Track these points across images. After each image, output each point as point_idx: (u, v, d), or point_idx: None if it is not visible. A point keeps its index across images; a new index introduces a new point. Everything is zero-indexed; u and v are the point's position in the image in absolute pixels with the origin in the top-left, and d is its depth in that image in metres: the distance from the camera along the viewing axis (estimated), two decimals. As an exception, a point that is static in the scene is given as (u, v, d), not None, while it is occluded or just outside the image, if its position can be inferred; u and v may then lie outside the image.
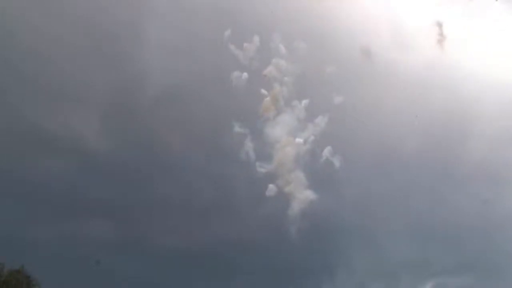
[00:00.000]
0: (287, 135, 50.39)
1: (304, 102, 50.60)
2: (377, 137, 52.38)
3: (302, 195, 49.89)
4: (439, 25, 53.64)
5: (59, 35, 49.02)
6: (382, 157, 52.08)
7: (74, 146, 49.19)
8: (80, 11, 49.39)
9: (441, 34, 53.38)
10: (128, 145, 51.64)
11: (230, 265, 50.22)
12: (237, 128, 50.06)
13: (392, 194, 52.27)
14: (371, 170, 51.64)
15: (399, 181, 52.00)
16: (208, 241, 49.73)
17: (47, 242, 47.38)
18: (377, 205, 51.94)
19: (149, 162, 51.34)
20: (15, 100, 48.69)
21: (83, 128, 49.54)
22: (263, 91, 50.33)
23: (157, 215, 50.23)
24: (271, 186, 49.62)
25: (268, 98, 50.26)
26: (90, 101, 50.18)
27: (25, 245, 45.95)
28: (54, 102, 49.62)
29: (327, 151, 50.37)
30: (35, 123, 48.68)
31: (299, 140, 50.42)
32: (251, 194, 51.48)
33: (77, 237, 47.92)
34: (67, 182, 48.39)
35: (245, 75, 49.84)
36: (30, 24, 48.31)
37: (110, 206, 49.21)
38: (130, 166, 50.60)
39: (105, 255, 46.90)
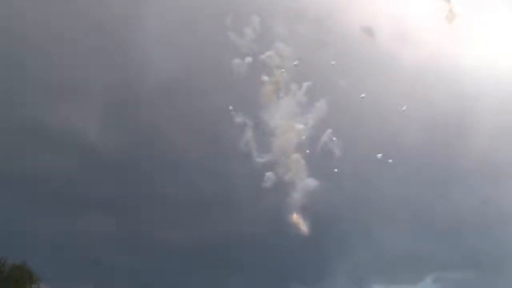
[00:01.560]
0: (288, 122, 49.49)
1: (305, 86, 49.38)
2: (377, 130, 51.80)
3: (303, 184, 49.42)
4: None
5: (59, 31, 48.89)
6: (382, 150, 51.52)
7: (74, 141, 49.22)
8: (79, 6, 49.13)
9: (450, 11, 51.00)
10: (129, 140, 51.61)
11: (231, 260, 50.50)
12: (238, 119, 49.42)
13: (392, 188, 52.09)
14: (370, 164, 51.21)
15: (400, 174, 51.64)
16: (209, 237, 49.88)
17: (47, 238, 47.74)
18: (377, 199, 51.78)
19: (149, 155, 51.33)
20: (14, 95, 48.70)
21: (83, 123, 49.47)
22: (264, 77, 49.32)
23: (157, 210, 50.36)
24: (270, 175, 49.06)
25: (269, 85, 49.18)
26: (89, 96, 50.04)
27: (25, 240, 46.36)
28: (55, 97, 49.52)
29: (327, 137, 49.45)
30: (35, 119, 48.68)
31: (301, 126, 49.44)
32: (252, 187, 51.22)
33: (78, 233, 48.28)
34: (68, 178, 48.50)
35: (245, 61, 48.73)
36: (30, 21, 48.13)
37: (110, 201, 49.41)
38: (131, 162, 50.68)
39: (105, 251, 47.47)
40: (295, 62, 48.18)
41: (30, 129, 48.68)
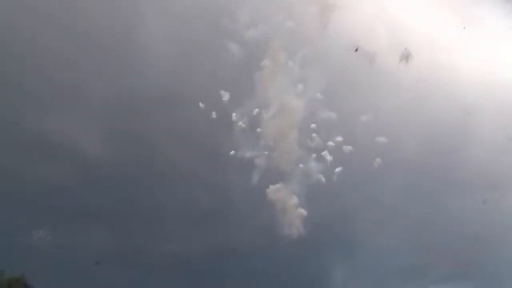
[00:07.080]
0: (285, 100, 48.24)
1: (301, 55, 48.08)
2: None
3: (299, 172, 48.65)
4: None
5: (56, 43, 48.88)
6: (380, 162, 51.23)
7: (69, 153, 49.20)
8: (77, 20, 49.07)
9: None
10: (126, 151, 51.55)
11: (228, 272, 50.49)
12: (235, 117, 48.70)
13: (390, 200, 51.79)
14: (368, 175, 50.94)
15: (398, 186, 51.36)
16: (203, 246, 49.90)
17: (46, 250, 47.88)
18: (375, 210, 51.53)
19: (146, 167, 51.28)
20: (11, 107, 48.75)
21: (78, 135, 49.43)
22: (264, 62, 47.98)
23: (155, 222, 50.44)
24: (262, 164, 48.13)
25: (266, 68, 48.06)
26: (85, 108, 49.99)
27: (23, 253, 46.52)
28: (52, 109, 49.63)
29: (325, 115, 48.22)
30: (33, 130, 48.71)
31: (298, 102, 48.47)
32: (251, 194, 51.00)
33: (76, 245, 48.34)
34: (65, 190, 48.53)
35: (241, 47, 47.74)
36: (25, 32, 48.10)
37: (107, 214, 49.49)
38: (129, 173, 50.65)
39: (103, 263, 47.53)
40: (288, 24, 47.01)
41: (28, 140, 48.70)
